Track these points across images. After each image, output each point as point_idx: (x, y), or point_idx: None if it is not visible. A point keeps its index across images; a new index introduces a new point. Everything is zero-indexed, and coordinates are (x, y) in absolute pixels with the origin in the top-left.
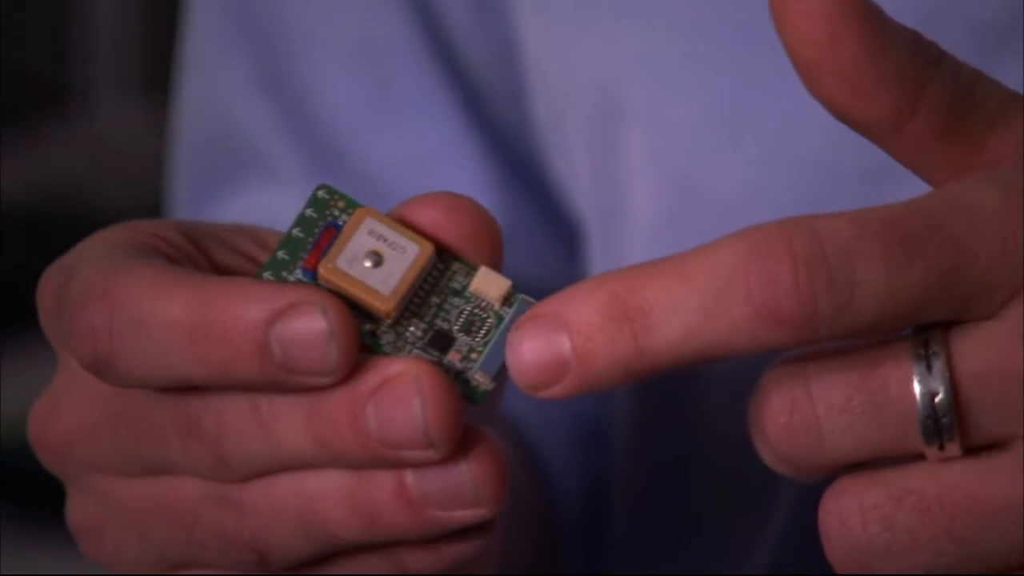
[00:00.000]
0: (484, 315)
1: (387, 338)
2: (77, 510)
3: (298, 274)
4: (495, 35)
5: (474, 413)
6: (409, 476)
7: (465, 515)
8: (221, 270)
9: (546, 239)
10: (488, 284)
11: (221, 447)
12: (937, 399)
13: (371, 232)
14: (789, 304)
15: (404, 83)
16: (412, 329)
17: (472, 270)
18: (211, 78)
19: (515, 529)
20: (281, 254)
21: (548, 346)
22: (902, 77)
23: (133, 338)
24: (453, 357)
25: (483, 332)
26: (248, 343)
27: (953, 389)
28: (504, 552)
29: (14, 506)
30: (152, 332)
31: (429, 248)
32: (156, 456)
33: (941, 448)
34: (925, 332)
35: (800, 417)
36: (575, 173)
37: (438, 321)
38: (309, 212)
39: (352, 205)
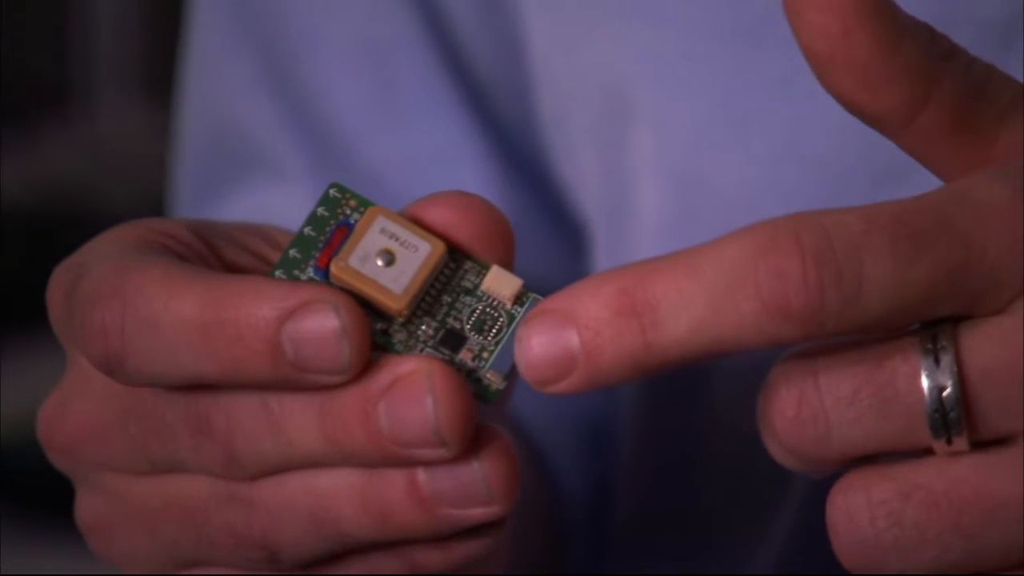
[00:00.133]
0: (496, 314)
1: (399, 337)
2: (87, 509)
3: (310, 272)
4: (501, 34)
5: (484, 412)
6: (421, 474)
7: (477, 513)
8: (232, 269)
9: (551, 238)
10: (500, 283)
11: (232, 445)
12: (945, 393)
13: (383, 231)
14: (797, 298)
15: (409, 82)
16: (424, 328)
17: (484, 269)
18: (215, 77)
19: (520, 528)
20: (293, 252)
21: (556, 341)
22: (914, 71)
23: (144, 337)
24: (465, 356)
25: (495, 331)
26: (260, 342)
27: (961, 383)
28: (510, 551)
29: (14, 506)
30: (163, 331)
31: (441, 247)
32: (166, 454)
33: (949, 442)
34: (933, 327)
35: (808, 410)
36: (581, 172)
37: (450, 320)
38: (321, 210)
39: (364, 204)
